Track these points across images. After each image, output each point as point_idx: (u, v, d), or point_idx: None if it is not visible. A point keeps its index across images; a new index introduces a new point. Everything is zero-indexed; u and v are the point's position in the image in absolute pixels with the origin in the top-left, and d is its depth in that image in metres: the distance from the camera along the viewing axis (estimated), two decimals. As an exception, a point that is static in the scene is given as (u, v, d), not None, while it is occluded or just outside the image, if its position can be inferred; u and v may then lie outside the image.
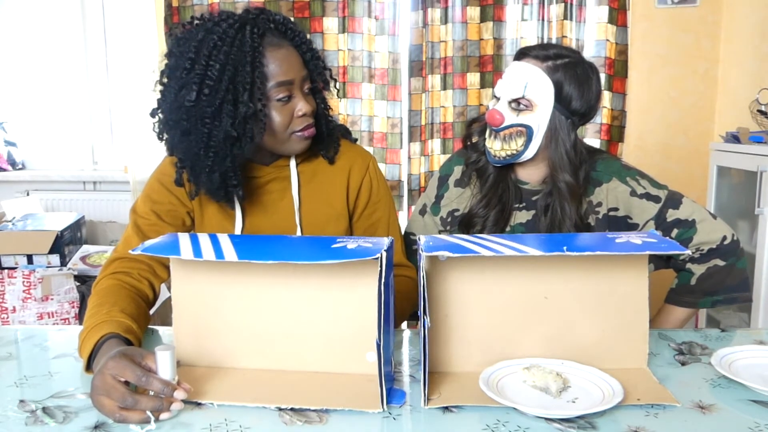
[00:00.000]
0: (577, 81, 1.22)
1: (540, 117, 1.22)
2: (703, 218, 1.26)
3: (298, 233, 1.18)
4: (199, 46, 1.02)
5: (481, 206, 1.32)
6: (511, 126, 1.23)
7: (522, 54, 1.26)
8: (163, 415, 0.76)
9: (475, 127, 1.37)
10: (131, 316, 0.96)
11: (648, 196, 1.27)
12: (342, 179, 1.22)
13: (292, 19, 1.14)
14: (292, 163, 1.19)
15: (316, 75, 1.13)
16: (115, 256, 1.13)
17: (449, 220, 1.39)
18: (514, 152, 1.25)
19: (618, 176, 1.29)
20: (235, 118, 1.02)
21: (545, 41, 2.85)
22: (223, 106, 1.02)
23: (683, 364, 0.94)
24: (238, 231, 1.17)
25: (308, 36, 1.17)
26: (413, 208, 2.85)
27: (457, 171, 1.40)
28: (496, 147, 1.26)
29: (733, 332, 1.09)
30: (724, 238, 1.26)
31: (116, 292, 1.03)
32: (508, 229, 1.32)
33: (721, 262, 1.26)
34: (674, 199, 1.28)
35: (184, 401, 0.78)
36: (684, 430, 0.73)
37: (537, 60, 1.23)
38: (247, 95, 1.02)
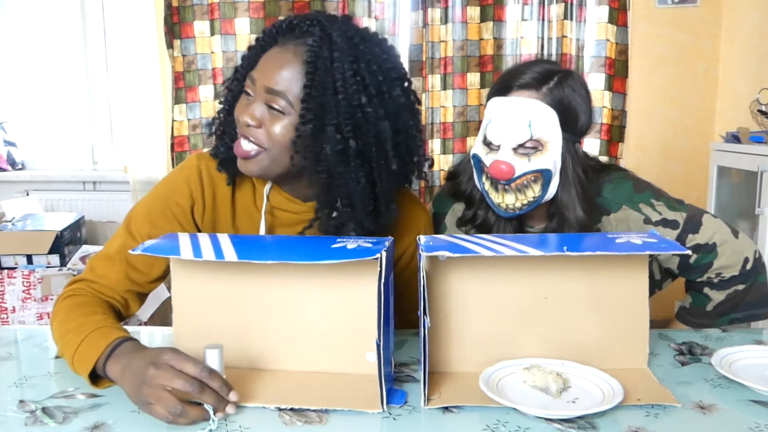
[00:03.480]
0: (575, 94, 1.10)
1: (553, 154, 1.07)
2: (724, 240, 1.15)
3: None
4: None
5: None
6: (525, 174, 1.07)
7: (504, 87, 1.10)
8: (218, 414, 0.74)
9: (464, 178, 1.20)
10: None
11: (665, 223, 1.14)
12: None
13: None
14: None
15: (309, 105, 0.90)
16: (83, 277, 0.99)
17: None
18: (532, 200, 1.10)
19: (629, 203, 1.15)
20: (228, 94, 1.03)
21: (545, 41, 2.85)
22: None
23: (683, 364, 0.94)
24: None
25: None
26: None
27: (458, 209, 1.25)
28: (509, 201, 1.10)
29: (733, 332, 1.09)
30: (746, 260, 1.15)
31: (99, 303, 0.94)
32: None
33: (741, 286, 1.16)
34: (693, 222, 1.15)
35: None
36: (684, 430, 0.73)
37: (530, 90, 1.07)
38: (235, 72, 1.02)
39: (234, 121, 0.98)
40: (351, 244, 0.81)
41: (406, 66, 2.94)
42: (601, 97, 2.90)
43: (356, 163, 0.92)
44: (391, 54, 0.98)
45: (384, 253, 0.76)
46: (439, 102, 2.90)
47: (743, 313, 1.19)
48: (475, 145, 1.15)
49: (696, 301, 1.23)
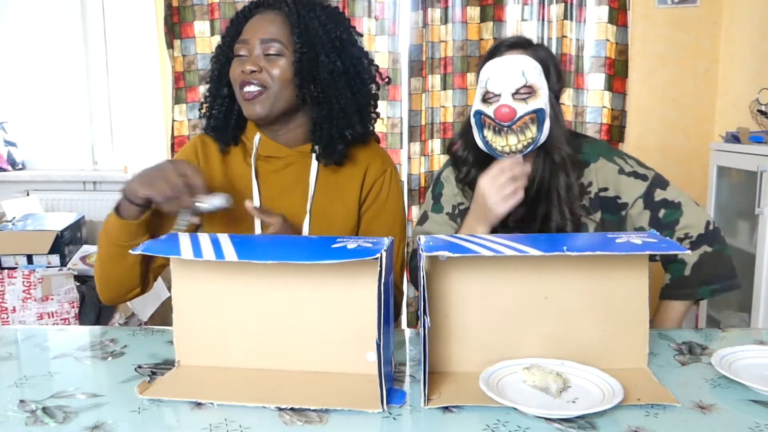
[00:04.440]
0: (551, 59, 1.30)
1: (544, 98, 1.23)
2: (687, 202, 1.31)
3: (306, 221, 1.19)
4: None
5: None
6: (524, 115, 1.21)
7: (495, 50, 1.30)
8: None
9: (460, 145, 1.37)
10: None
11: (636, 174, 1.31)
12: (359, 176, 1.25)
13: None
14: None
15: (304, 46, 1.12)
16: None
17: (456, 213, 1.37)
18: (530, 140, 1.23)
19: (605, 156, 1.33)
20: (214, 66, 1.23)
21: (545, 41, 2.85)
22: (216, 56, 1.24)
23: (683, 364, 0.94)
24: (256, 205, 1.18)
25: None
26: (413, 214, 2.85)
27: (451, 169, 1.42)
28: (512, 142, 1.23)
29: (733, 332, 1.09)
30: (708, 223, 1.29)
31: None
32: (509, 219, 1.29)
33: (709, 248, 1.27)
34: (661, 181, 1.33)
35: (186, 401, 0.78)
36: (684, 430, 0.73)
37: (519, 49, 1.28)
38: (218, 48, 1.22)
39: (222, 90, 1.20)
40: (351, 244, 0.81)
41: (405, 66, 2.96)
42: (601, 97, 2.90)
43: (344, 80, 1.16)
44: (343, 15, 1.23)
45: (384, 253, 0.76)
46: (439, 102, 2.90)
47: (720, 284, 1.27)
48: (474, 105, 1.28)
49: (674, 272, 1.30)
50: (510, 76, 1.22)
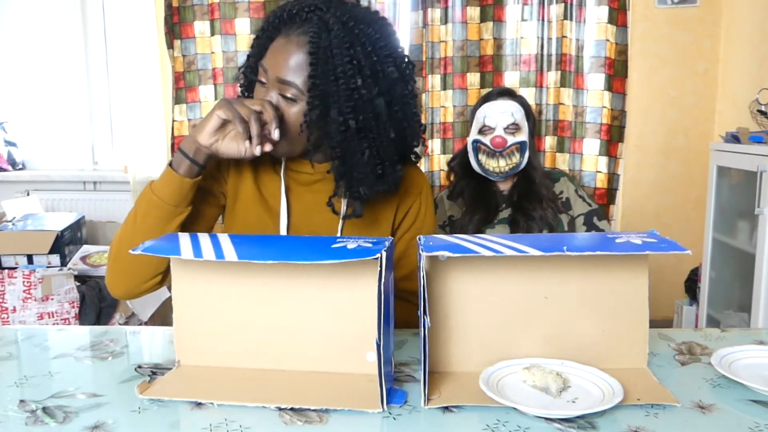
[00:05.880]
0: (528, 105, 1.73)
1: (525, 135, 1.68)
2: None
3: None
4: None
5: (467, 216, 1.70)
6: (511, 145, 1.67)
7: (489, 96, 1.73)
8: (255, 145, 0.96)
9: (456, 162, 1.81)
10: None
11: (584, 199, 1.75)
12: (393, 201, 1.18)
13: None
14: None
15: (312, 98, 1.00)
16: None
17: (446, 224, 1.73)
18: (515, 164, 1.69)
19: (567, 178, 1.79)
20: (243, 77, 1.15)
21: (545, 41, 2.86)
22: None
23: (683, 364, 0.94)
24: (283, 225, 1.13)
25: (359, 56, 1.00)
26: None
27: (446, 191, 1.82)
28: (501, 164, 1.69)
29: (733, 332, 1.09)
30: None
31: None
32: (496, 220, 1.72)
33: None
34: (601, 213, 1.73)
35: (186, 401, 0.78)
36: (684, 430, 0.73)
37: (508, 97, 1.70)
38: (246, 61, 1.13)
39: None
40: (351, 244, 0.81)
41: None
42: (600, 97, 2.90)
43: (359, 138, 1.02)
44: (383, 32, 1.05)
45: (384, 253, 0.76)
46: (439, 102, 2.90)
47: None
48: (471, 136, 1.72)
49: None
50: (503, 115, 1.65)
